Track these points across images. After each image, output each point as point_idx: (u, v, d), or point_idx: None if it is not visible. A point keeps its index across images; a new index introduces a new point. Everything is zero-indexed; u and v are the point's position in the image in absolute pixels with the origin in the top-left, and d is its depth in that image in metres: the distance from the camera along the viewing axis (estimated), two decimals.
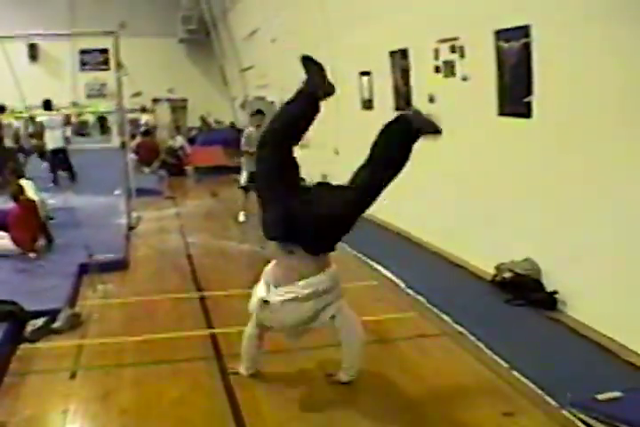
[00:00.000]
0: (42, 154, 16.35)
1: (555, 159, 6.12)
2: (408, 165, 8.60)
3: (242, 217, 11.27)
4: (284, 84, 16.51)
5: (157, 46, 24.73)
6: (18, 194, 8.58)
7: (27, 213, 8.40)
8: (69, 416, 4.46)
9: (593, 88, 5.55)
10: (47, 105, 15.41)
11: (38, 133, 15.43)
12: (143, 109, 22.36)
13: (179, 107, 25.81)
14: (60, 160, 14.99)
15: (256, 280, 4.72)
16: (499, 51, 6.78)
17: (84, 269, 7.55)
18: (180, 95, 25.80)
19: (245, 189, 11.19)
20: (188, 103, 26.19)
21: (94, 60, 25.14)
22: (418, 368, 5.12)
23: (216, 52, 23.73)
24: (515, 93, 6.59)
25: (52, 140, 14.90)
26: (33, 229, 8.35)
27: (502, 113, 6.89)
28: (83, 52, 25.06)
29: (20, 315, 5.90)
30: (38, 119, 15.35)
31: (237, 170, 17.50)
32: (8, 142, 14.19)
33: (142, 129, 19.82)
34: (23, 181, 9.35)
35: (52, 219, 9.47)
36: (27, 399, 4.68)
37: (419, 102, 8.85)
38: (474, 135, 7.49)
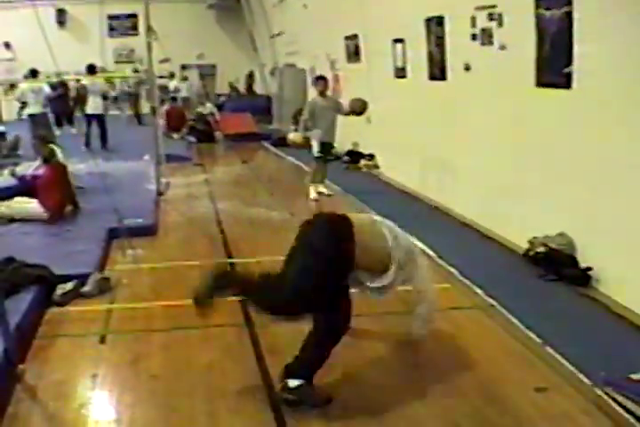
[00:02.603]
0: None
1: (594, 132, 5.97)
2: (440, 136, 8.51)
3: (313, 194, 10.27)
4: (315, 52, 16.42)
5: (186, 12, 24.61)
6: (49, 156, 8.59)
7: (57, 177, 8.41)
8: (98, 381, 4.47)
9: (636, 59, 5.39)
10: (91, 69, 15.51)
11: (81, 97, 15.60)
12: (172, 75, 22.30)
13: (208, 73, 25.71)
14: (96, 125, 15.15)
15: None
16: (539, 19, 6.59)
17: (113, 234, 7.57)
18: (209, 61, 25.70)
19: (319, 159, 10.41)
20: (217, 69, 26.09)
21: (122, 25, 25.11)
22: (450, 340, 5.08)
23: (246, 17, 23.56)
24: (554, 63, 6.42)
25: (93, 107, 15.05)
26: (62, 192, 8.36)
27: (540, 83, 6.73)
28: (111, 17, 25.03)
29: (49, 279, 5.91)
30: (83, 82, 15.51)
31: (267, 137, 17.59)
32: (39, 108, 14.27)
33: (170, 95, 19.89)
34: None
35: (80, 188, 9.40)
36: (56, 363, 4.69)
37: (454, 70, 8.72)
38: (510, 105, 7.36)
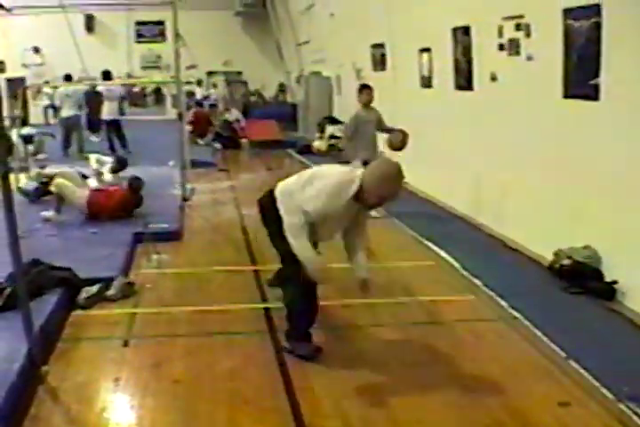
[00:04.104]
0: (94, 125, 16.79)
1: (621, 144, 5.91)
2: (466, 146, 8.47)
3: None
4: (341, 60, 16.44)
5: (213, 19, 24.72)
6: (137, 188, 8.90)
7: (123, 203, 8.62)
8: (121, 384, 4.47)
9: None
10: (106, 75, 15.58)
11: (98, 104, 15.71)
12: (199, 82, 22.45)
13: (233, 80, 25.82)
14: (113, 129, 15.33)
15: None
16: (567, 30, 6.54)
17: (138, 239, 7.62)
18: (235, 69, 25.81)
19: None
20: (243, 77, 26.19)
21: (150, 31, 25.30)
22: (473, 352, 5.04)
23: (272, 25, 23.67)
24: (581, 75, 6.37)
25: (109, 112, 15.19)
26: (113, 214, 8.52)
27: (568, 95, 6.67)
28: (139, 23, 25.22)
29: (74, 281, 5.95)
30: (98, 89, 15.62)
31: (292, 145, 17.60)
32: (73, 111, 14.49)
33: (196, 100, 20.00)
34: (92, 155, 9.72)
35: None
36: (79, 366, 4.71)
37: (480, 81, 8.68)
38: (536, 117, 7.31)
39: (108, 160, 10.52)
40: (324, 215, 4.53)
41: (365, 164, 8.88)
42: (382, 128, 9.25)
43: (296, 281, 4.71)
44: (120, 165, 10.40)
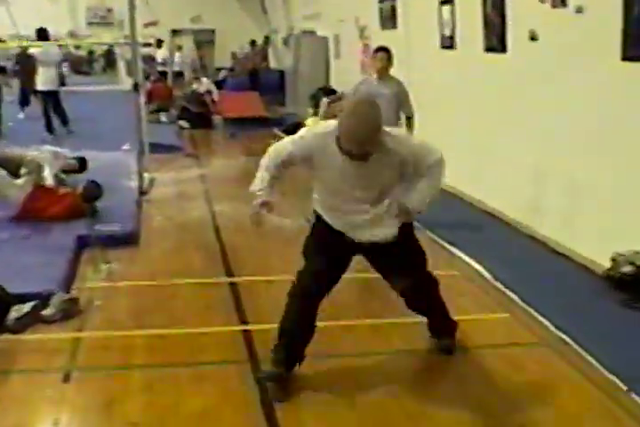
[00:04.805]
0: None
1: None
2: (496, 123, 8.46)
3: None
4: (341, 15, 16.43)
5: None
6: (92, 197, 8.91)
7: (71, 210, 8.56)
8: None
9: None
10: (42, 34, 15.48)
11: (30, 70, 15.60)
12: (159, 43, 22.41)
13: (204, 41, 25.82)
14: (51, 103, 15.21)
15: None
16: None
17: (83, 243, 7.60)
18: (207, 26, 25.82)
19: None
20: (216, 36, 26.20)
21: None
22: (508, 385, 5.03)
23: None
24: None
25: (46, 81, 15.04)
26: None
27: (628, 57, 6.68)
28: None
29: (1, 298, 5.92)
30: (30, 52, 15.51)
31: (278, 123, 17.63)
32: None
33: (157, 70, 20.04)
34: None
35: None
36: (7, 406, 4.67)
37: (517, 40, 8.66)
38: (588, 85, 7.31)
39: (64, 156, 10.34)
40: (318, 164, 4.79)
41: None
42: (403, 109, 8.78)
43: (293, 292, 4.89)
44: (80, 166, 10.27)
